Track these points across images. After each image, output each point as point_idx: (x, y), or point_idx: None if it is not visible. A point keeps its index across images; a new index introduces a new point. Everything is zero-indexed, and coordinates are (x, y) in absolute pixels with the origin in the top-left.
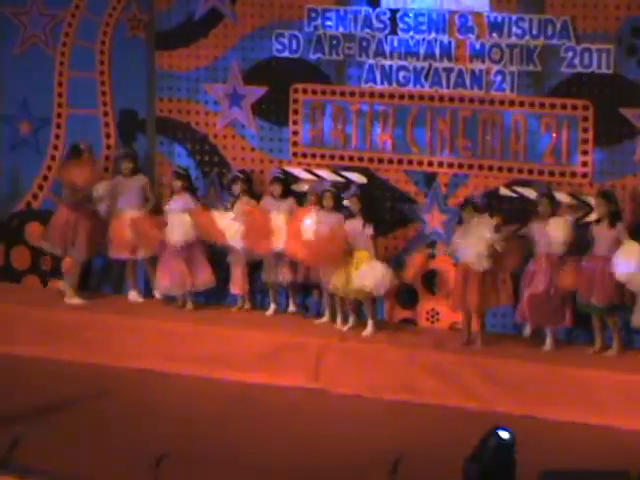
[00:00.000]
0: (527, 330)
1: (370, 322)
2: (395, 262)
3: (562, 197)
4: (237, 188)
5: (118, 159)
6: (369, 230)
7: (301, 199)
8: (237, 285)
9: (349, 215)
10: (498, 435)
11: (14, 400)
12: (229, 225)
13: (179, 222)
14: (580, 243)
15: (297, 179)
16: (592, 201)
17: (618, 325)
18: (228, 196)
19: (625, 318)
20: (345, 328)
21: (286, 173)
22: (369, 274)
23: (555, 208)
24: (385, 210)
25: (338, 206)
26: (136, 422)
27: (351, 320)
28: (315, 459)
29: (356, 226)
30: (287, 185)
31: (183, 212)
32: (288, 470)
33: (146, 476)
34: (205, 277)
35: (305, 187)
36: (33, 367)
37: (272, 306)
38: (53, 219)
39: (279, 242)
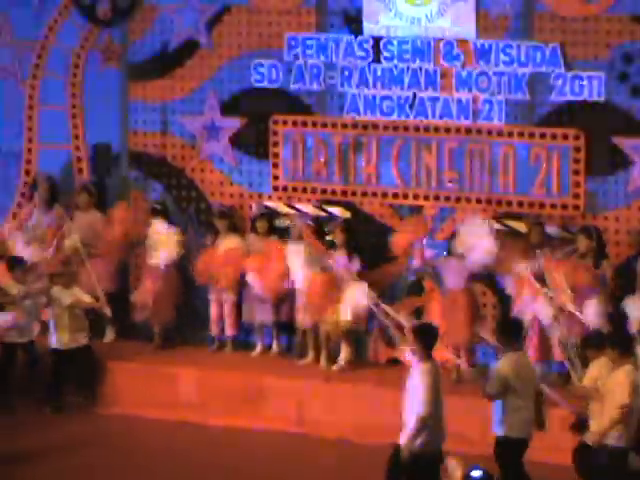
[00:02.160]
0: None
1: (345, 350)
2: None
3: (553, 230)
4: (221, 224)
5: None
6: (356, 263)
7: (283, 235)
8: (229, 325)
9: (333, 248)
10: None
11: None
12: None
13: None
14: None
15: (278, 214)
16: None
17: None
18: (207, 232)
19: None
20: (334, 368)
21: (268, 208)
22: (349, 297)
23: (546, 240)
24: (370, 245)
25: (321, 241)
26: (118, 470)
27: (341, 357)
28: None
29: (341, 259)
30: (272, 221)
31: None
32: None
33: None
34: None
35: (287, 222)
36: None
37: (259, 346)
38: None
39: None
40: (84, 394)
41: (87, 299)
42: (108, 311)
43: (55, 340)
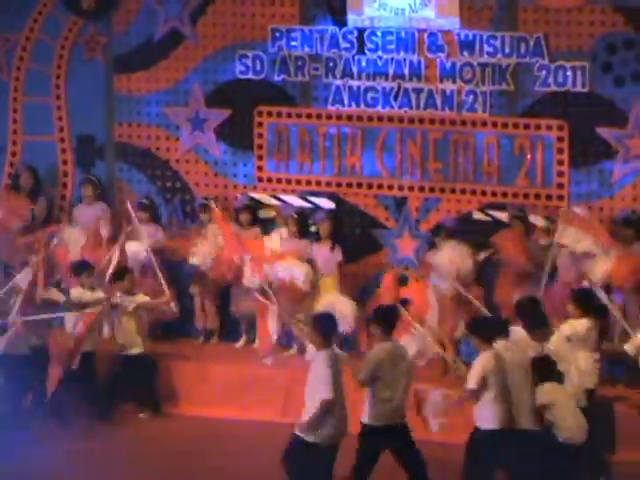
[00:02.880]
0: None
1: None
2: (365, 292)
3: (536, 220)
4: (206, 216)
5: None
6: (338, 255)
7: (266, 226)
8: (209, 318)
9: (317, 239)
10: None
11: None
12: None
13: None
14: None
15: (262, 205)
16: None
17: None
18: (190, 223)
19: None
20: None
21: (253, 200)
22: (332, 309)
23: (530, 230)
24: (354, 236)
25: (304, 232)
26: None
27: None
28: None
29: (324, 251)
30: (255, 213)
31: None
32: None
33: None
34: None
35: (272, 214)
36: None
37: (243, 338)
38: None
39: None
40: (149, 403)
41: (151, 300)
42: (175, 307)
43: (130, 346)
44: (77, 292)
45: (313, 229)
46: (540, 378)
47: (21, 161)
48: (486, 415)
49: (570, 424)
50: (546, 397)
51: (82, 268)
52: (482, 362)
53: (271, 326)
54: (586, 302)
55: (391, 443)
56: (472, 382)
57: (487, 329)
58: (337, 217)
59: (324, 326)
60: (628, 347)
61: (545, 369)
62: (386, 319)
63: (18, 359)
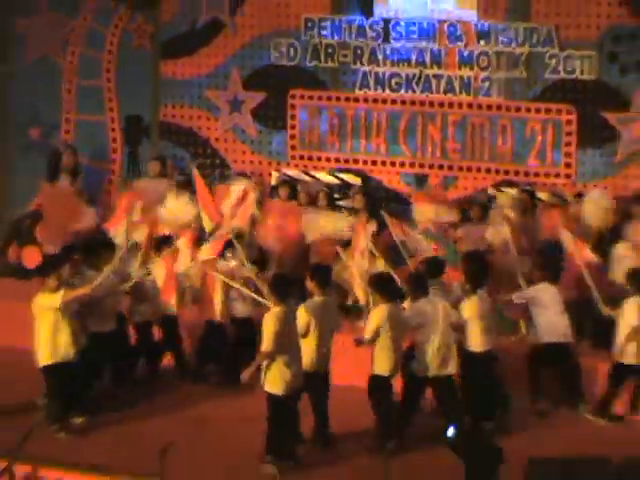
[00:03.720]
0: None
1: None
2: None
3: (544, 196)
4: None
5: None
6: (372, 226)
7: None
8: None
9: (352, 212)
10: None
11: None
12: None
13: None
14: None
15: (297, 181)
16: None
17: None
18: None
19: None
20: None
21: (287, 176)
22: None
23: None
24: (379, 210)
25: (332, 204)
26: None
27: None
28: None
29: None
30: (294, 188)
31: None
32: None
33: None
34: None
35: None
36: None
37: None
38: None
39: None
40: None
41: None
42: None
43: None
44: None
45: (342, 203)
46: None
47: (61, 140)
48: (378, 362)
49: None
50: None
51: (163, 242)
52: (377, 315)
53: None
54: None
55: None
56: (368, 333)
57: (386, 286)
58: (370, 192)
59: (278, 286)
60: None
61: None
62: (321, 277)
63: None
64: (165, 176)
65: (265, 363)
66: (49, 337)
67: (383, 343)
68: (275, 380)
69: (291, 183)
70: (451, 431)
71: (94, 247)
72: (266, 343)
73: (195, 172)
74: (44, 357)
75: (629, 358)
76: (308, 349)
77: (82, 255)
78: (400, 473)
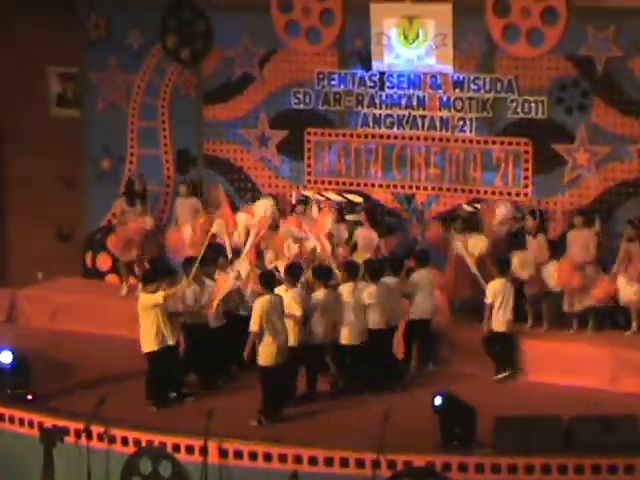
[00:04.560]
0: None
1: None
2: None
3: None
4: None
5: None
6: (376, 236)
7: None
8: None
9: (359, 225)
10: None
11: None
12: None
13: None
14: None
15: (310, 199)
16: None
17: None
18: None
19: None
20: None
21: (304, 196)
22: None
23: (540, 225)
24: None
25: (341, 218)
26: None
27: None
28: None
29: (364, 233)
30: (307, 204)
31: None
32: None
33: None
34: None
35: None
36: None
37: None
38: None
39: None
40: None
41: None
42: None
43: None
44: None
45: (350, 217)
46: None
47: (135, 170)
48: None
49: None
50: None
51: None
52: (259, 306)
53: None
54: None
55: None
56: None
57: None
58: (374, 208)
59: (264, 279)
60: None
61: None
62: (293, 273)
63: None
64: (195, 195)
65: (256, 341)
66: (152, 328)
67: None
68: (264, 354)
69: (305, 201)
70: (438, 399)
71: (208, 259)
72: (252, 324)
73: (221, 191)
74: (149, 345)
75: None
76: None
77: (200, 265)
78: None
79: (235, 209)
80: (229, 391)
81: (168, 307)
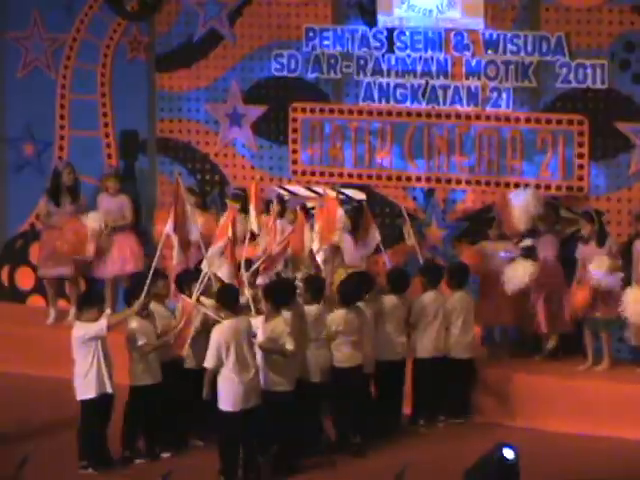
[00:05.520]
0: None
1: None
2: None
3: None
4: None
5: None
6: (363, 249)
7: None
8: None
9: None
10: (502, 453)
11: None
12: None
13: None
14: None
15: (296, 196)
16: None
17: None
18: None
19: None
20: None
21: (287, 191)
22: None
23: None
24: (384, 226)
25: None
26: None
27: None
28: None
29: (348, 241)
30: (284, 205)
31: None
32: None
33: None
34: None
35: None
36: None
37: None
38: None
39: None
40: None
41: None
42: None
43: None
44: None
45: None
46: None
47: (61, 159)
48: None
49: None
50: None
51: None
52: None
53: None
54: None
55: None
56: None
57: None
58: (359, 210)
59: (226, 297)
60: None
61: None
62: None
63: None
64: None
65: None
66: (91, 368)
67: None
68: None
69: (283, 200)
70: (510, 452)
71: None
72: (206, 360)
73: (179, 183)
74: (84, 390)
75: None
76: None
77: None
78: None
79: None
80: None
81: (134, 340)
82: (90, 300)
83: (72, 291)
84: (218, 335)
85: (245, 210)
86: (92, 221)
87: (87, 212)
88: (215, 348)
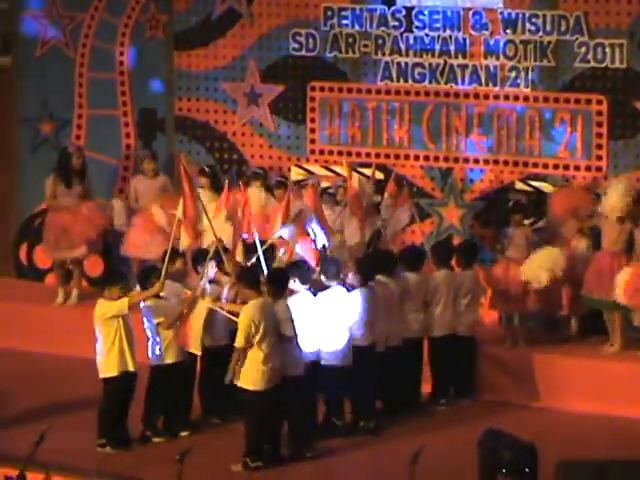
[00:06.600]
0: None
1: None
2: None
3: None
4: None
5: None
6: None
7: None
8: None
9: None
10: None
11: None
12: None
13: None
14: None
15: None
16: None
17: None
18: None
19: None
20: None
21: (302, 168)
22: None
23: None
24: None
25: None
26: None
27: None
28: None
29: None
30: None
31: None
32: None
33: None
34: None
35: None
36: None
37: None
38: None
39: None
40: None
41: None
42: None
43: None
44: None
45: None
46: None
47: (79, 138)
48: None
49: None
50: None
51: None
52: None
53: None
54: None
55: None
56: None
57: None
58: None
59: (248, 278)
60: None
61: None
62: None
63: None
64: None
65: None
66: (112, 347)
67: None
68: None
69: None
70: None
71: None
72: (237, 339)
73: (184, 165)
74: (107, 368)
75: None
76: None
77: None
78: None
79: (218, 189)
80: (210, 426)
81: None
82: (112, 278)
83: (76, 272)
84: (249, 314)
85: (266, 187)
86: (159, 216)
87: (93, 194)
88: (245, 329)
